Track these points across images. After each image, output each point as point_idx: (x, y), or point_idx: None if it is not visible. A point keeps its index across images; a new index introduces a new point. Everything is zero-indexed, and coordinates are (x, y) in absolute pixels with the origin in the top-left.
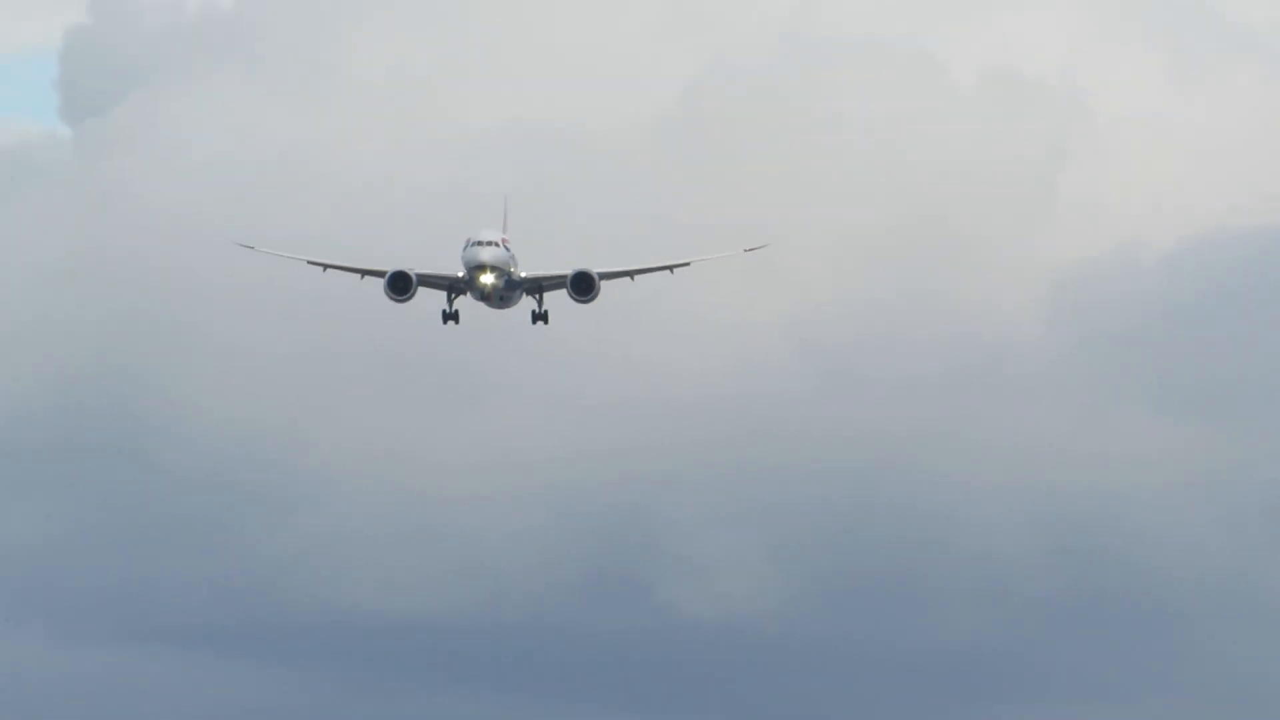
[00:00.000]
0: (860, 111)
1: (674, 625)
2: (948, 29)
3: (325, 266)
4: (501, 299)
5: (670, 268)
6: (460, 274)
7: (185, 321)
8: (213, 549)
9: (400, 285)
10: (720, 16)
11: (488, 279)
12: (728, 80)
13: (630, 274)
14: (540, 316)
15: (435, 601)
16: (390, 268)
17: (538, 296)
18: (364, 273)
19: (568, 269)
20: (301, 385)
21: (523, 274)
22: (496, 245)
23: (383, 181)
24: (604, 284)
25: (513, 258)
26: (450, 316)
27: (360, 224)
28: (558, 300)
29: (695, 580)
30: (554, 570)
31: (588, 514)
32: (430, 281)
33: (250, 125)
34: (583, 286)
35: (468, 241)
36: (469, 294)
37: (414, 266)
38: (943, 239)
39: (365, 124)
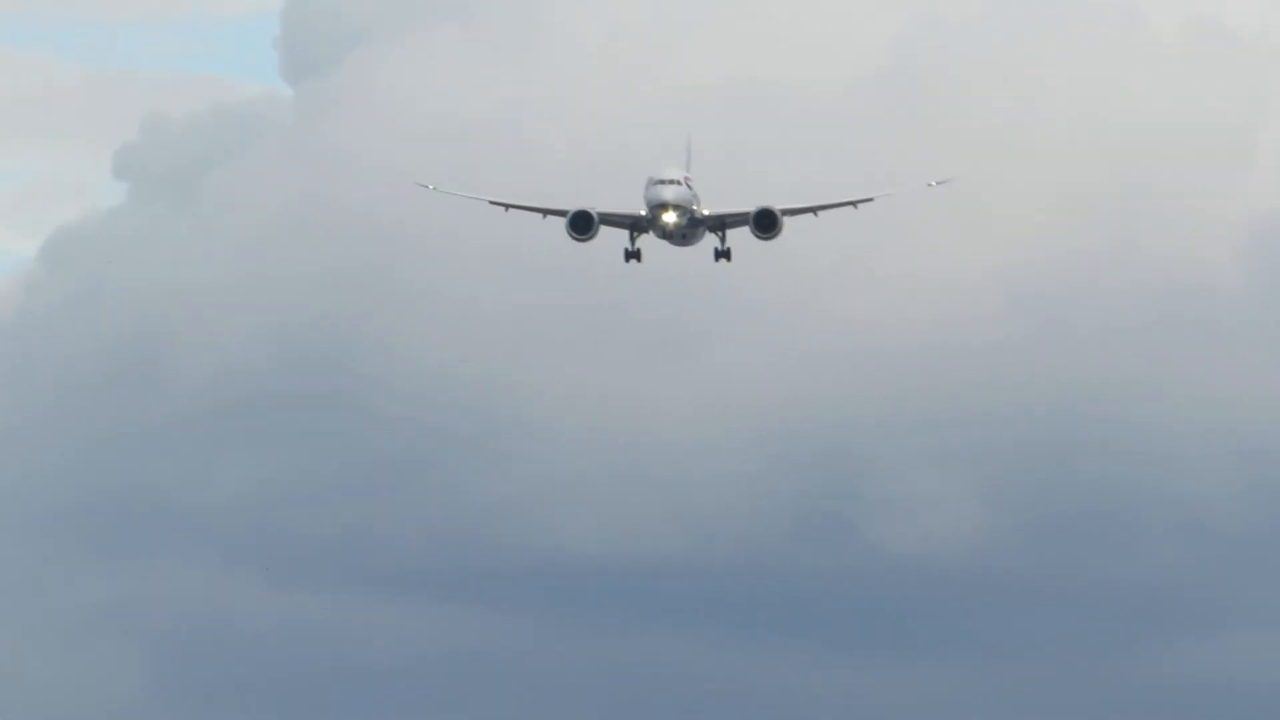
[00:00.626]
0: (1064, 65)
1: (880, 565)
2: None
3: (507, 206)
4: (684, 237)
5: (854, 203)
6: (642, 212)
7: (401, 274)
8: (427, 496)
9: (582, 224)
10: None
11: (670, 217)
12: (935, 36)
13: (814, 210)
14: (723, 254)
15: (647, 545)
16: (572, 207)
17: (720, 234)
18: (546, 212)
19: (750, 206)
20: (512, 334)
21: (705, 212)
22: (679, 183)
23: (597, 138)
24: (787, 221)
25: (695, 196)
26: (632, 255)
27: (578, 176)
28: (740, 238)
29: (901, 521)
30: (763, 514)
31: (795, 457)
32: (612, 220)
33: (468, 83)
34: (765, 223)
35: (650, 180)
36: (651, 232)
37: (595, 205)
38: (1144, 191)
39: (581, 81)
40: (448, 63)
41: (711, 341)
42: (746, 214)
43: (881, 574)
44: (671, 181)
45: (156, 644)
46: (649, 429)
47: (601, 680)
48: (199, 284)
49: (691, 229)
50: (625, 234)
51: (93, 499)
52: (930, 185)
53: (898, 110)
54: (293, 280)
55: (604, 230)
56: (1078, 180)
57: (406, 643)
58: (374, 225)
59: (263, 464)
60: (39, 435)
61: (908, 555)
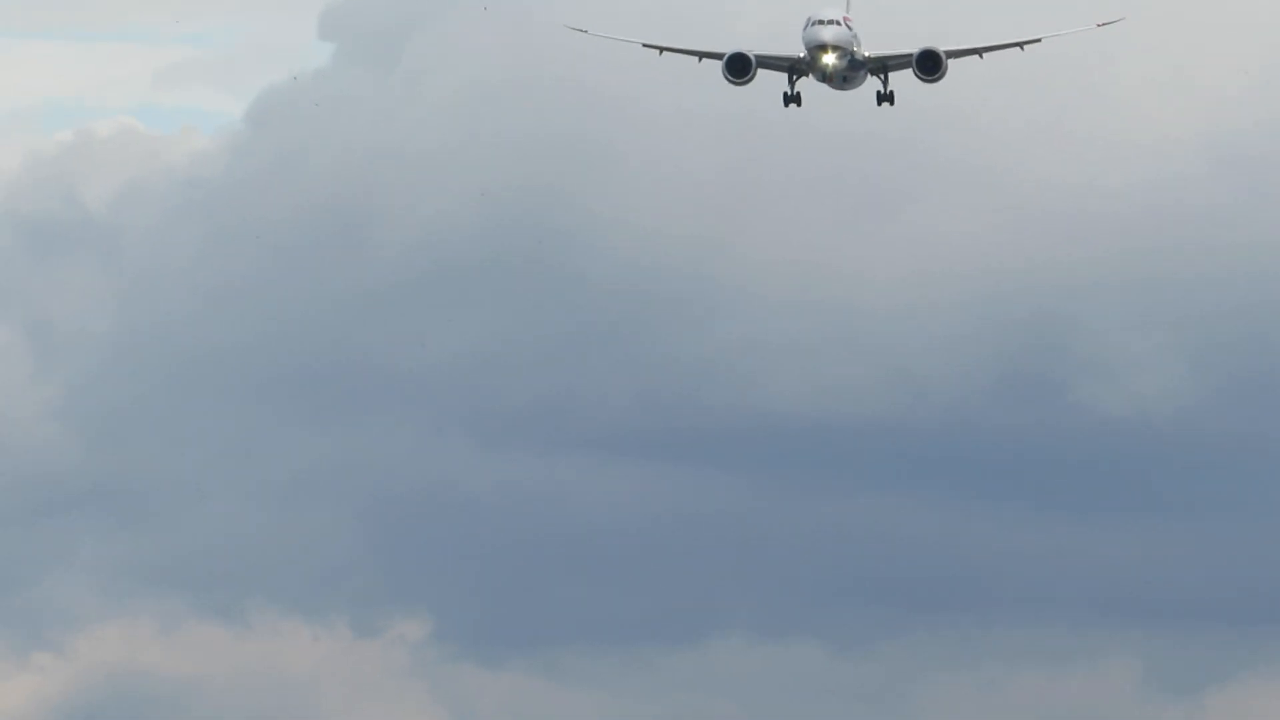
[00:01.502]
0: None
1: (1089, 424)
2: None
3: (661, 50)
4: (844, 79)
5: (1020, 44)
6: (801, 54)
7: (605, 138)
8: (636, 358)
9: (739, 67)
10: None
11: (829, 59)
12: None
13: (979, 51)
14: (886, 97)
15: (854, 405)
16: (728, 49)
17: (883, 77)
18: (701, 55)
19: (913, 48)
20: (716, 196)
21: (866, 53)
22: (838, 24)
23: None
24: (952, 62)
25: (855, 37)
26: (792, 99)
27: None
28: (903, 81)
29: (1110, 381)
30: (971, 374)
31: (1000, 319)
32: (770, 63)
33: None
34: (929, 65)
35: (808, 20)
36: (810, 75)
37: (752, 48)
38: None
39: None
40: None
41: (915, 203)
42: (909, 55)
43: (1089, 434)
44: (831, 22)
45: (368, 509)
46: (855, 290)
47: (811, 541)
48: (404, 148)
49: (852, 71)
50: (784, 77)
51: (298, 364)
52: (1099, 26)
53: None
54: (498, 144)
55: (762, 74)
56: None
57: (617, 505)
58: (578, 89)
59: (470, 328)
60: (245, 298)
61: (1115, 416)
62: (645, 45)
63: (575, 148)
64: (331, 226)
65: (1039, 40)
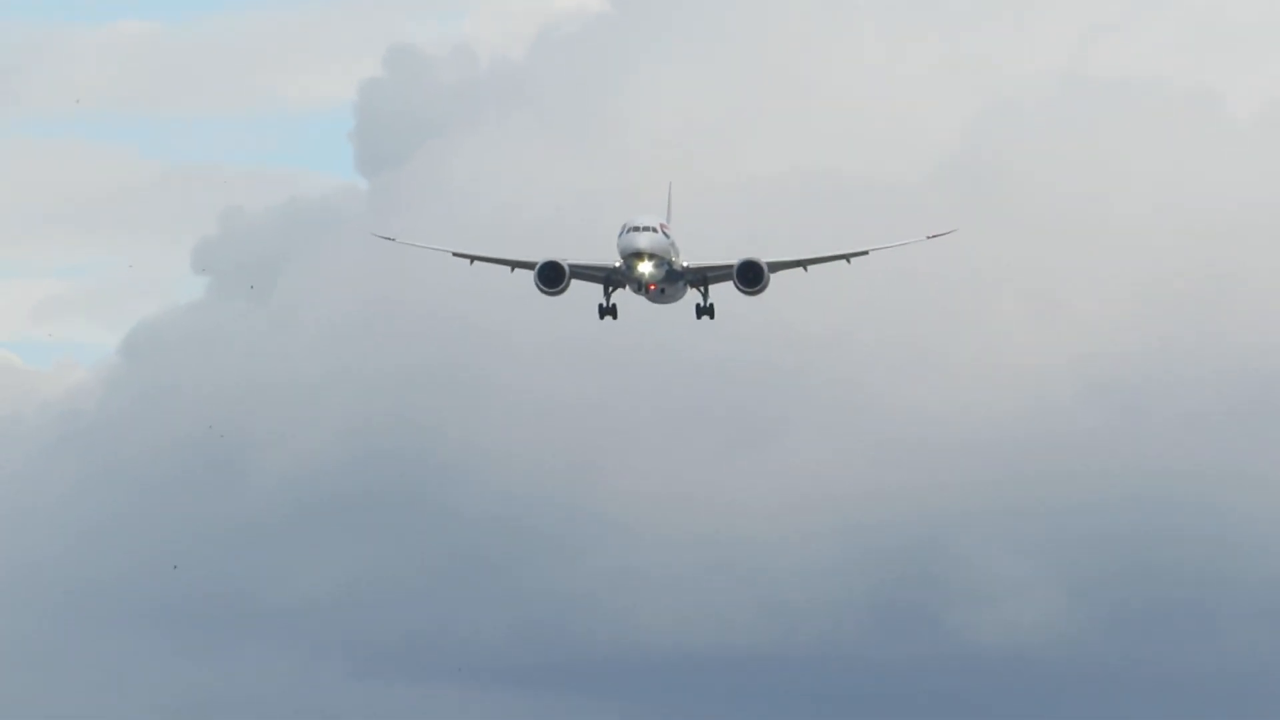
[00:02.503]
0: (1141, 149)
1: (962, 653)
2: (1225, 64)
3: (472, 259)
4: (662, 291)
5: (847, 256)
6: (616, 263)
7: (473, 368)
8: (506, 590)
9: (552, 276)
10: (998, 59)
11: (645, 268)
12: (1008, 124)
13: (803, 264)
14: (705, 310)
15: (726, 635)
16: (540, 258)
17: (703, 289)
18: (514, 264)
19: (733, 258)
20: (586, 426)
21: (685, 263)
22: (655, 230)
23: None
24: (776, 276)
25: (673, 245)
26: (608, 311)
27: None
28: (724, 292)
29: (983, 610)
30: (843, 604)
31: (872, 547)
32: (584, 273)
33: (539, 175)
34: (750, 276)
35: (623, 227)
36: (627, 286)
37: (566, 256)
38: (1223, 276)
39: (651, 172)
40: (519, 154)
41: (784, 431)
42: (729, 266)
43: (964, 663)
44: (646, 229)
45: None
46: (726, 520)
47: None
48: (277, 380)
49: (670, 282)
50: (599, 289)
51: (173, 597)
52: (930, 237)
53: (970, 200)
54: (368, 375)
55: (577, 285)
56: (1155, 266)
57: None
58: (448, 319)
59: (343, 560)
60: (118, 531)
61: (990, 645)
62: (455, 254)
63: (446, 378)
64: (205, 459)
65: (866, 253)
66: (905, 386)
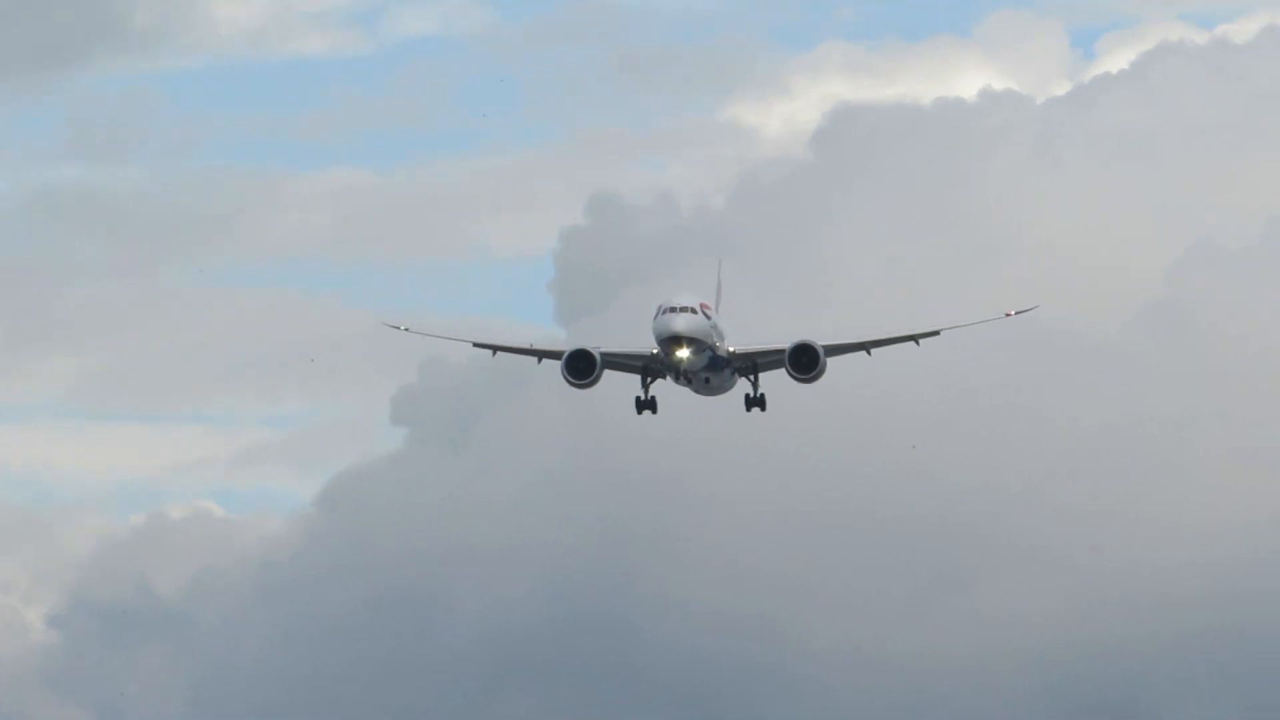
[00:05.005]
0: None
1: None
2: None
3: (495, 349)
4: (706, 381)
5: (916, 338)
6: (654, 350)
7: (674, 525)
8: None
9: (581, 366)
10: (1203, 199)
11: (684, 353)
12: (1212, 265)
13: (865, 347)
14: (756, 401)
15: None
16: (568, 347)
17: (752, 378)
18: (540, 354)
19: (785, 341)
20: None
21: (730, 348)
22: (694, 312)
23: None
24: (834, 360)
25: (715, 328)
26: (646, 404)
27: None
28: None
29: None
30: None
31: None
32: (618, 362)
33: (739, 323)
34: (804, 361)
35: (659, 309)
36: (668, 376)
37: (599, 345)
38: None
39: (853, 319)
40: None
41: (983, 583)
42: (780, 350)
43: None
44: (685, 309)
45: None
46: (916, 673)
47: None
48: (475, 533)
49: (714, 370)
50: (638, 380)
51: None
52: (1009, 315)
53: (1173, 345)
54: (567, 532)
55: (611, 376)
56: None
57: None
58: (649, 476)
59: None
60: (314, 683)
61: None
62: (476, 345)
63: (645, 536)
64: (402, 612)
65: (937, 333)
66: (1102, 539)
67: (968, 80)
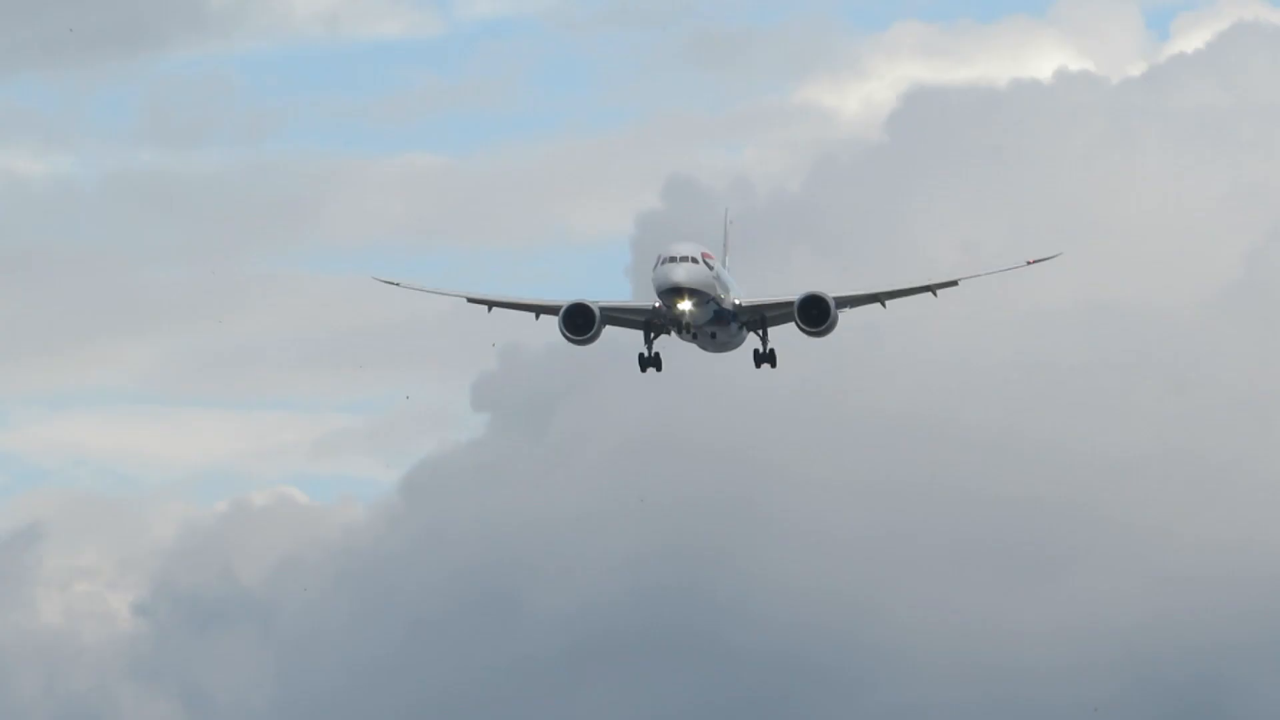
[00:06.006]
0: None
1: None
2: None
3: (490, 304)
4: (713, 336)
5: (933, 288)
6: (655, 304)
7: (755, 500)
8: None
9: (580, 321)
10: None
11: (686, 306)
12: None
13: (879, 298)
14: (765, 357)
15: None
16: (566, 300)
17: (761, 332)
18: (537, 309)
19: (793, 293)
20: (867, 558)
21: (736, 301)
22: (695, 261)
23: None
24: (847, 311)
25: (719, 279)
26: (650, 362)
27: None
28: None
29: None
30: None
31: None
32: (619, 317)
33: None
34: (813, 314)
35: (658, 258)
36: (672, 331)
37: (598, 299)
38: None
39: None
40: (794, 285)
41: (1070, 561)
42: (789, 303)
43: None
44: (685, 259)
45: None
46: (1009, 652)
47: None
48: (556, 516)
49: (721, 324)
50: (640, 335)
51: None
52: (1030, 263)
53: (1252, 327)
54: (649, 510)
55: (613, 332)
56: None
57: None
58: (730, 451)
59: (621, 700)
60: (395, 669)
61: None
62: (470, 300)
63: (727, 512)
64: (484, 598)
65: (955, 283)
66: (1195, 516)
67: (1043, 61)
